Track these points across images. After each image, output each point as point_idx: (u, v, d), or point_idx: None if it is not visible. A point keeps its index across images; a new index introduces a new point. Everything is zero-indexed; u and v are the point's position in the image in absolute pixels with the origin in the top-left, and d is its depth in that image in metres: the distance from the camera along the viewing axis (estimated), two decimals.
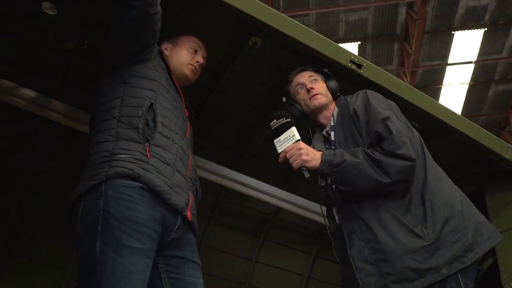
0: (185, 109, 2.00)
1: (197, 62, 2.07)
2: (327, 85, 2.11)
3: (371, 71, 2.21)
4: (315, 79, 2.11)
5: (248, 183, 3.00)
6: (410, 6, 9.16)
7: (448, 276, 1.64)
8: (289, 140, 1.79)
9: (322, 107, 2.06)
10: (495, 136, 2.69)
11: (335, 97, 2.11)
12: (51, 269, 2.85)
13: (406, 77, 10.37)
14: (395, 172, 1.70)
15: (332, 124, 2.02)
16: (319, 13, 9.21)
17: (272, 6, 8.49)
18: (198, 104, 2.69)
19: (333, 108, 2.08)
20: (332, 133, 1.99)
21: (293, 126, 1.82)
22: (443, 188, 1.83)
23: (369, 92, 1.96)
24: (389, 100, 1.98)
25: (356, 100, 1.94)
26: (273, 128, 1.84)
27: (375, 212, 1.76)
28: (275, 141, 1.83)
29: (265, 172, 3.04)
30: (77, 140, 2.49)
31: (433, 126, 2.55)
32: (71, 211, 1.61)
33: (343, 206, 1.86)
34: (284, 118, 1.83)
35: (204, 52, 2.12)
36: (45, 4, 2.11)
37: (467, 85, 10.92)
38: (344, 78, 2.29)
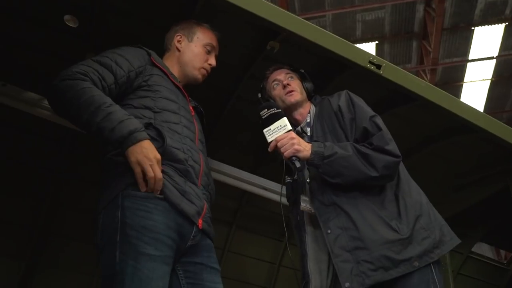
0: (190, 107, 1.95)
1: (210, 65, 2.05)
2: (302, 85, 2.15)
3: (391, 71, 2.20)
4: (292, 77, 2.16)
5: (269, 187, 3.02)
6: (427, 3, 9.04)
7: (420, 269, 1.72)
8: (280, 129, 1.81)
9: (297, 104, 2.10)
10: None
11: (309, 97, 2.16)
12: (78, 276, 2.90)
13: (426, 75, 10.23)
14: (382, 167, 1.78)
15: (308, 120, 2.07)
16: (335, 14, 9.17)
17: (287, 9, 8.54)
18: (217, 110, 2.71)
19: (309, 106, 2.13)
20: (308, 129, 2.04)
21: (285, 116, 1.84)
22: (412, 190, 1.92)
23: (350, 93, 2.02)
24: None
25: (339, 99, 2.00)
26: (263, 117, 1.84)
27: (354, 203, 1.81)
28: (264, 130, 1.83)
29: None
30: None
31: (456, 125, 2.53)
32: (94, 223, 1.66)
33: (319, 196, 1.89)
34: (275, 108, 1.85)
35: (217, 51, 2.10)
36: (67, 17, 2.17)
37: (489, 81, 10.70)
38: (363, 78, 2.29)
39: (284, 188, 2.09)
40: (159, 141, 1.65)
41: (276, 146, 1.80)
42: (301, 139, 1.84)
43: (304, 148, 1.80)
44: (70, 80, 1.61)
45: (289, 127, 1.82)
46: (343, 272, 1.73)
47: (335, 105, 1.97)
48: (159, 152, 1.62)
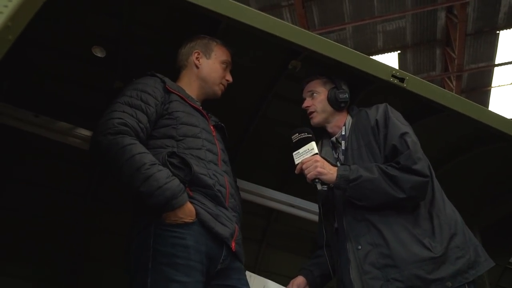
0: (211, 126, 1.97)
1: (227, 80, 2.10)
2: (328, 97, 2.11)
3: (415, 83, 2.18)
4: (315, 93, 2.15)
5: (297, 204, 3.01)
6: (449, 10, 8.93)
7: None
8: (307, 153, 1.88)
9: (320, 124, 2.14)
10: None
11: (340, 108, 2.11)
12: None
13: (452, 82, 10.06)
14: (409, 188, 1.76)
15: (343, 133, 2.08)
16: (355, 26, 9.16)
17: (307, 23, 8.57)
18: (243, 129, 2.74)
19: (343, 118, 2.13)
20: (343, 142, 2.05)
21: (313, 141, 1.91)
22: (447, 207, 1.89)
23: (389, 106, 2.02)
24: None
25: (377, 112, 1.99)
26: (294, 141, 1.93)
27: (387, 221, 1.81)
28: (294, 153, 1.92)
29: (313, 192, 3.03)
30: None
31: (485, 134, 2.47)
32: (126, 250, 1.70)
33: (350, 210, 1.89)
34: (305, 133, 1.92)
35: (231, 66, 2.14)
36: (94, 48, 2.25)
37: None
38: (387, 92, 2.28)
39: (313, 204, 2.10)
40: (184, 169, 1.68)
41: (301, 168, 1.86)
42: (325, 162, 1.87)
43: (328, 171, 1.83)
44: (111, 135, 1.62)
45: (316, 150, 1.88)
46: None
47: (373, 119, 1.97)
48: (187, 180, 1.65)
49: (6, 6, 1.03)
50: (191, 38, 2.12)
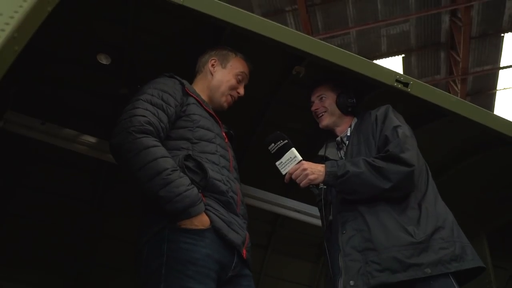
0: (223, 133, 1.97)
1: (238, 93, 2.09)
2: (337, 101, 2.19)
3: (419, 88, 2.18)
4: (324, 96, 2.23)
5: (302, 209, 3.01)
6: (453, 13, 8.92)
7: (439, 279, 1.69)
8: (291, 161, 1.86)
9: (329, 126, 2.20)
10: None
11: (346, 111, 2.19)
12: None
13: (457, 85, 10.02)
14: (395, 177, 1.80)
15: (348, 134, 2.15)
16: (359, 31, 9.16)
17: (311, 29, 8.56)
18: (247, 135, 2.75)
19: (349, 121, 2.21)
20: (348, 142, 2.11)
21: (293, 147, 1.88)
22: (439, 204, 1.92)
23: (391, 107, 2.07)
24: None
25: (378, 110, 2.07)
26: (272, 152, 1.89)
27: (374, 208, 1.85)
28: (277, 163, 1.88)
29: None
30: None
31: (490, 138, 2.47)
32: (137, 255, 1.68)
33: (343, 201, 1.94)
34: (281, 141, 1.88)
35: (247, 81, 2.14)
36: (99, 55, 2.27)
37: None
38: (391, 97, 2.28)
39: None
40: (199, 173, 1.68)
41: (291, 178, 1.87)
42: (313, 166, 1.87)
43: (318, 174, 1.85)
44: (136, 133, 1.60)
45: (299, 157, 1.87)
46: (350, 270, 1.76)
47: (373, 116, 2.04)
48: (201, 185, 1.65)
49: (12, 18, 1.04)
50: (213, 47, 2.13)
